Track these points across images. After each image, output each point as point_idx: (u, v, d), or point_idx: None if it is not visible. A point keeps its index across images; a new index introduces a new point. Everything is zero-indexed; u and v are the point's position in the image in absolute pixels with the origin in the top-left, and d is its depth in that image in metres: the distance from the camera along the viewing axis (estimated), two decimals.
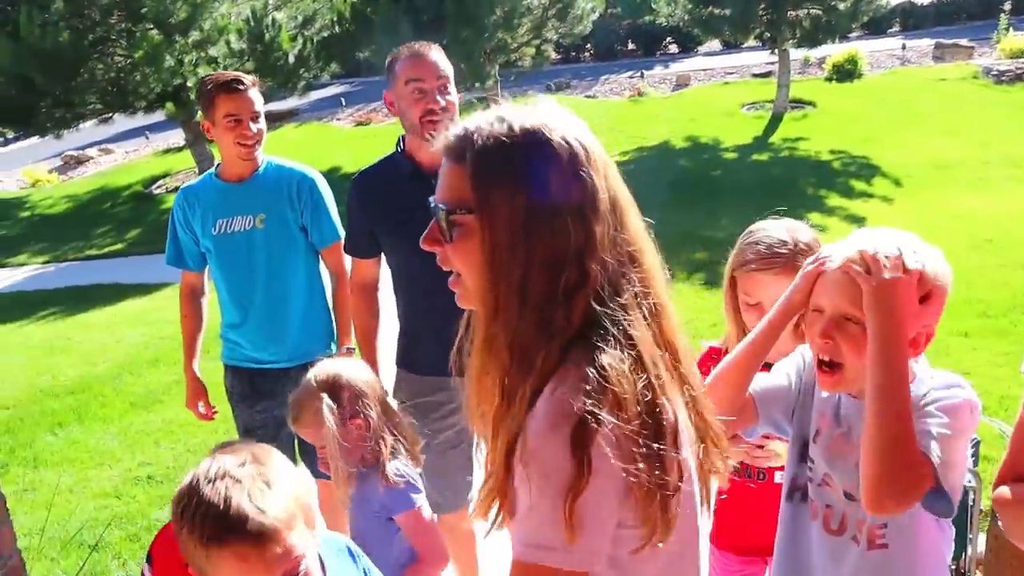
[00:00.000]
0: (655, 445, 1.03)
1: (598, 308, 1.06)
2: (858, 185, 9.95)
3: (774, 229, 1.94)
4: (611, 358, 1.04)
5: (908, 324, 1.38)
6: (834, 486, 1.53)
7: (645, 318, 1.10)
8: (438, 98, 2.48)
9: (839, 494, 1.53)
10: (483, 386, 1.12)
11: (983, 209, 8.22)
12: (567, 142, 1.08)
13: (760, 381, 1.64)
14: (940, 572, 1.53)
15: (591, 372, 1.02)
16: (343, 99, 18.96)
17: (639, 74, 18.37)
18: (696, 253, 7.41)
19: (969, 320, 5.46)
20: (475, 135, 1.10)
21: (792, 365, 1.67)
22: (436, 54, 2.53)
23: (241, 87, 2.84)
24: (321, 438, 2.00)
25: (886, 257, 1.38)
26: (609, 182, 1.11)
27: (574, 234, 1.06)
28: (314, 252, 3.03)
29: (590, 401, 1.00)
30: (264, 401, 2.99)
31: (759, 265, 1.89)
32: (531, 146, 1.07)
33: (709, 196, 9.90)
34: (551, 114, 1.12)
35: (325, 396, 2.00)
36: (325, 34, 13.78)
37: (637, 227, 1.14)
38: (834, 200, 9.34)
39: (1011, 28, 16.19)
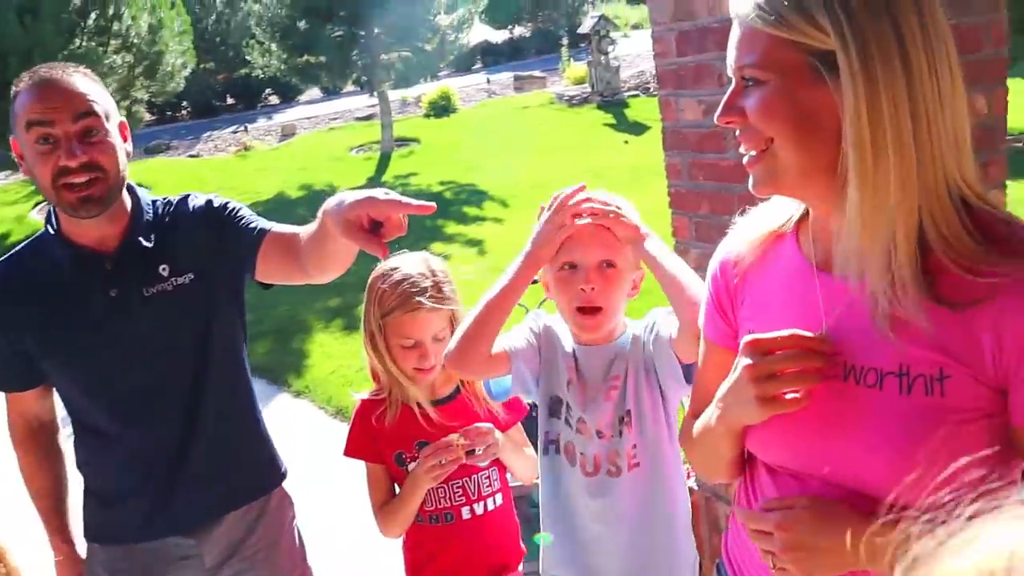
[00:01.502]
0: None
1: None
2: (471, 211, 10.56)
3: (408, 265, 1.93)
4: None
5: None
6: (587, 429, 1.71)
7: None
8: (75, 149, 1.61)
9: (590, 435, 1.70)
10: None
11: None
12: None
13: (509, 339, 1.75)
14: (682, 492, 1.78)
15: None
16: None
17: (243, 128, 17.96)
18: (330, 300, 7.34)
19: None
20: None
21: (526, 330, 1.79)
22: (77, 80, 1.67)
23: None
24: None
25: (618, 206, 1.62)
26: None
27: None
28: None
29: None
30: None
31: (411, 305, 1.87)
32: None
33: None
34: None
35: None
36: None
37: None
38: (452, 228, 9.80)
39: (572, 59, 18.31)
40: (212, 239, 1.80)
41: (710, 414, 1.20)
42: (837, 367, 1.04)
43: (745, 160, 1.10)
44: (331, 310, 7.11)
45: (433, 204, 1.42)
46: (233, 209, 1.85)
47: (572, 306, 1.65)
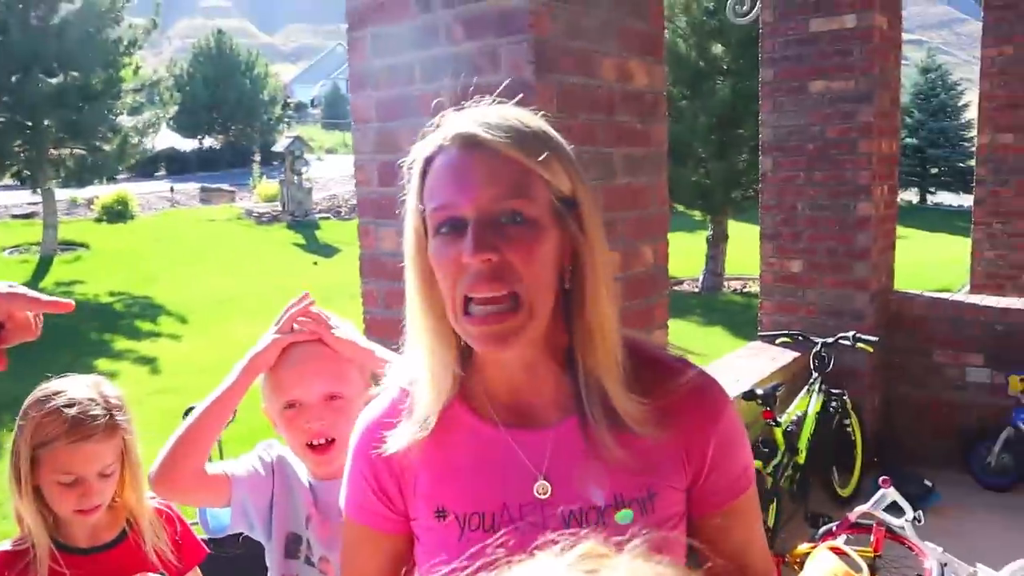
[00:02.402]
0: None
1: None
2: (144, 325, 9.83)
3: (75, 390, 1.67)
4: None
5: None
6: (330, 568, 1.59)
7: None
8: None
9: (335, 574, 1.58)
10: None
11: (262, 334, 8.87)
12: None
13: (232, 465, 1.61)
14: None
15: None
16: None
17: None
18: None
19: None
20: None
21: (255, 458, 1.65)
22: None
23: None
24: None
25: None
26: None
27: None
28: None
29: None
30: None
31: (77, 436, 1.61)
32: None
33: None
34: None
35: None
36: None
37: None
38: (121, 343, 9.04)
39: (264, 176, 18.12)
40: None
41: None
42: (556, 520, 1.03)
43: (483, 314, 0.96)
44: None
45: (70, 302, 1.15)
46: None
47: (301, 443, 1.57)
